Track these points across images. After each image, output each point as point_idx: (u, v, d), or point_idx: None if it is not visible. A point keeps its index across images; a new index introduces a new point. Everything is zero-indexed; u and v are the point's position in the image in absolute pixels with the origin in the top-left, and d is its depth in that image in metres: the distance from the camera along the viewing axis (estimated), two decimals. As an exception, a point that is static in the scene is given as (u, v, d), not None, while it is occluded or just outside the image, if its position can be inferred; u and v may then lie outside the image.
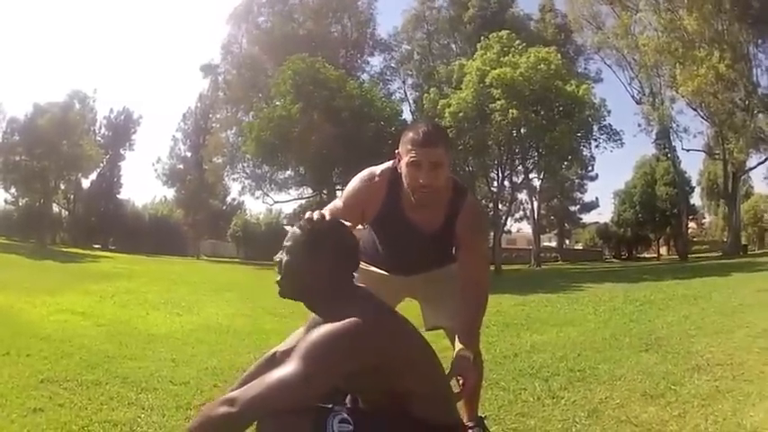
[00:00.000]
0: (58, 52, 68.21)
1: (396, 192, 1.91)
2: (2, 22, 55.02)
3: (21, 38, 59.92)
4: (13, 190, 33.54)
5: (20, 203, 34.41)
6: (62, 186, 35.02)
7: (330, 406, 1.39)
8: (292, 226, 1.57)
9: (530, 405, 2.94)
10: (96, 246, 33.89)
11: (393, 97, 33.73)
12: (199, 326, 5.82)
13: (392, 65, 35.13)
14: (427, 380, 1.45)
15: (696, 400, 2.86)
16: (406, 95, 35.22)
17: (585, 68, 33.59)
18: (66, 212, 37.33)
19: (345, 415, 1.37)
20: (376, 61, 35.21)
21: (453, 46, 34.63)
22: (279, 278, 1.52)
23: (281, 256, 1.52)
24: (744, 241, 35.86)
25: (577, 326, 6.01)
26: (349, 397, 1.55)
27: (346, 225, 1.58)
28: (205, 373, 3.65)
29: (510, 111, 18.67)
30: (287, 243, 1.52)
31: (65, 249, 25.54)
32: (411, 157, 1.76)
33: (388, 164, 1.96)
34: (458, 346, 1.78)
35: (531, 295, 10.26)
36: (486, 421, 2.36)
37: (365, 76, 34.11)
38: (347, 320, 1.33)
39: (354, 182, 2.00)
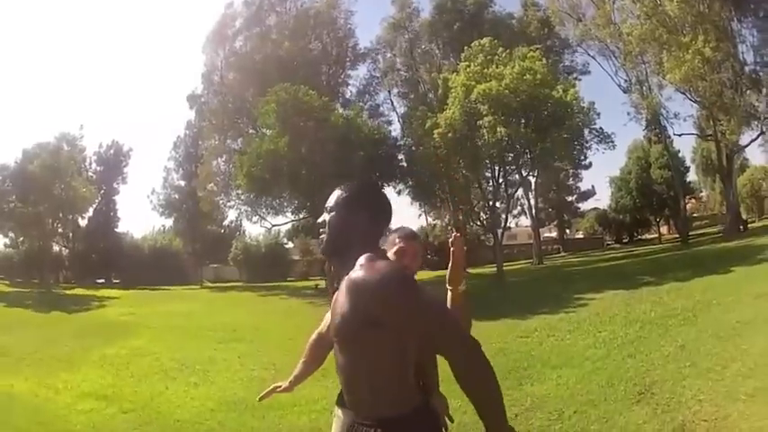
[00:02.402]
0: (41, 90, 67.92)
1: None
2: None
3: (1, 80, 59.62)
4: (11, 235, 33.81)
5: (20, 246, 34.62)
6: (60, 229, 35.23)
7: None
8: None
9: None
10: (100, 281, 34.22)
11: (380, 109, 34.07)
12: (218, 402, 6.08)
13: (376, 75, 35.15)
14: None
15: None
16: (393, 106, 35.37)
17: (572, 61, 33.73)
18: (67, 250, 37.52)
19: None
20: (360, 73, 35.24)
21: (436, 51, 34.67)
22: (321, 236, 1.68)
23: (324, 217, 1.68)
24: (743, 214, 35.70)
25: (576, 367, 6.33)
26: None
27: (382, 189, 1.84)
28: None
29: (498, 129, 18.61)
30: (330, 203, 1.68)
31: (69, 292, 25.74)
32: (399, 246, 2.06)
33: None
34: None
35: (533, 318, 10.58)
36: None
37: (352, 89, 34.41)
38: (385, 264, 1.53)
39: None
